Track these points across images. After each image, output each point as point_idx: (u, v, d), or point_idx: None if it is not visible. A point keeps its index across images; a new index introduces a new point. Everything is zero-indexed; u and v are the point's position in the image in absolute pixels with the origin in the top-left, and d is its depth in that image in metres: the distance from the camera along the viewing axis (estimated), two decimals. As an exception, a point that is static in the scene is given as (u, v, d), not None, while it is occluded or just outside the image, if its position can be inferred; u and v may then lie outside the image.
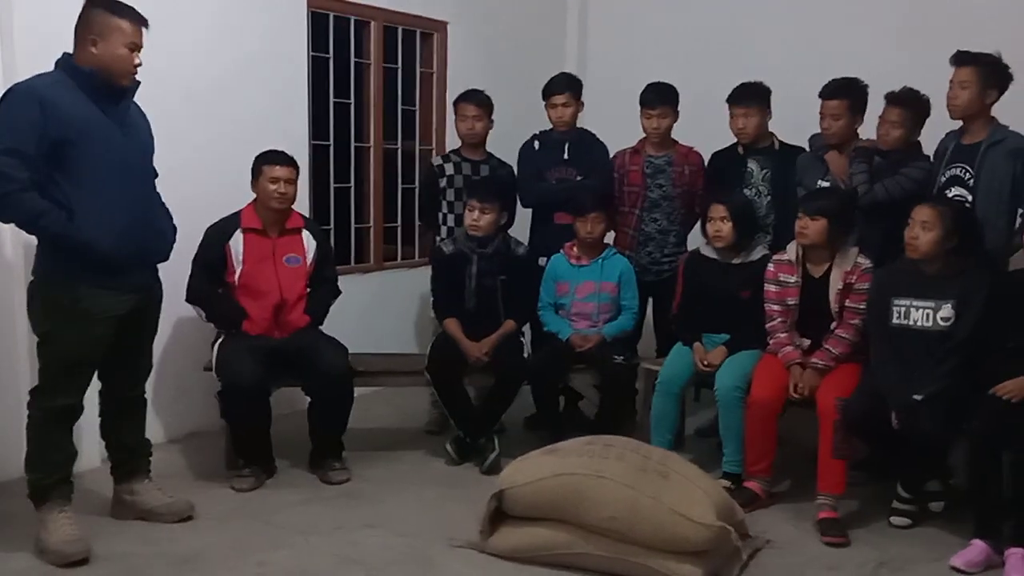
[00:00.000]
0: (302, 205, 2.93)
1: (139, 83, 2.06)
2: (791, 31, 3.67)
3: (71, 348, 2.01)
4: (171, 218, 2.21)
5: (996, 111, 2.46)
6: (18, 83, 1.95)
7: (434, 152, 3.71)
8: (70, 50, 2.00)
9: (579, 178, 3.03)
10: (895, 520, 2.36)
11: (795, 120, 2.88)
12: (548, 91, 3.07)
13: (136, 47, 1.99)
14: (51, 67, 2.00)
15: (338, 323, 2.76)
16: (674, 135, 3.06)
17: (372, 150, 3.58)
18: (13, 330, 2.44)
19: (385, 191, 3.65)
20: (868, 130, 2.73)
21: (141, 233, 2.06)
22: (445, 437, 2.89)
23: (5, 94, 1.94)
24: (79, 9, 2.01)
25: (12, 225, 2.16)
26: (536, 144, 3.13)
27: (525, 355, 2.87)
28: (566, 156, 3.07)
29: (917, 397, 2.19)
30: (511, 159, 3.17)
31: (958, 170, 2.47)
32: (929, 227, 2.24)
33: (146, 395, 2.29)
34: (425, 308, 3.56)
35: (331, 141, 3.42)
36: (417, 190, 3.58)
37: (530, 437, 2.95)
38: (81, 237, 1.93)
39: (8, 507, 2.29)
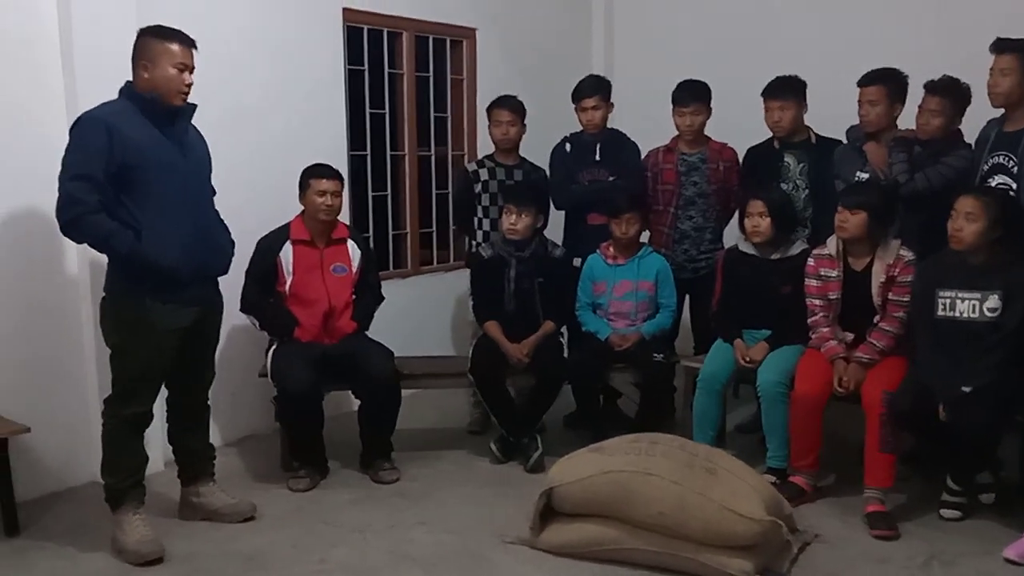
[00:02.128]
0: (342, 214, 3.02)
1: (195, 106, 2.17)
2: (823, 23, 3.63)
3: (140, 359, 2.12)
4: (229, 233, 2.31)
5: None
6: (86, 112, 2.06)
7: (466, 157, 3.77)
8: (127, 78, 2.11)
9: (611, 179, 3.06)
10: (945, 513, 2.34)
11: (828, 114, 2.87)
12: (578, 94, 3.11)
13: (185, 67, 2.09)
14: (109, 96, 2.11)
15: (378, 327, 2.85)
16: (705, 131, 3.07)
17: (407, 158, 3.66)
18: (82, 344, 2.58)
19: (420, 197, 3.73)
20: (907, 121, 2.70)
21: (202, 249, 2.16)
22: (488, 436, 2.96)
23: (75, 123, 2.05)
24: (132, 41, 2.12)
25: (77, 245, 2.30)
26: (567, 147, 3.17)
27: (564, 355, 2.92)
28: (598, 157, 3.10)
29: (966, 389, 2.18)
30: (541, 162, 3.21)
31: (1001, 158, 2.43)
32: (973, 218, 2.22)
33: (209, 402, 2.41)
34: (461, 310, 3.65)
35: (368, 151, 3.51)
36: (451, 195, 3.65)
37: (570, 435, 3.01)
38: (146, 255, 2.04)
39: (81, 510, 2.43)
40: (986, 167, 2.47)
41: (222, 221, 2.30)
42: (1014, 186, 2.39)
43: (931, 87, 2.57)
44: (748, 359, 2.62)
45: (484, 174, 3.16)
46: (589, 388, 2.93)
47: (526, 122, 3.15)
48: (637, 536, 2.05)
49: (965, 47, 2.59)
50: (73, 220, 2.00)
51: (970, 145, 2.58)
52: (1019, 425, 2.15)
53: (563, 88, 3.18)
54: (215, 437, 2.69)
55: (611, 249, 2.97)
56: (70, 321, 2.56)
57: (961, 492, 2.36)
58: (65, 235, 2.09)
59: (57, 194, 2.02)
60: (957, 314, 2.28)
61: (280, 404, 2.60)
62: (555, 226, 3.22)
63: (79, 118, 2.05)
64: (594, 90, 3.09)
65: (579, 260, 3.03)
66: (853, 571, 2.09)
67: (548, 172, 3.19)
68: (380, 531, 2.32)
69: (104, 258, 2.15)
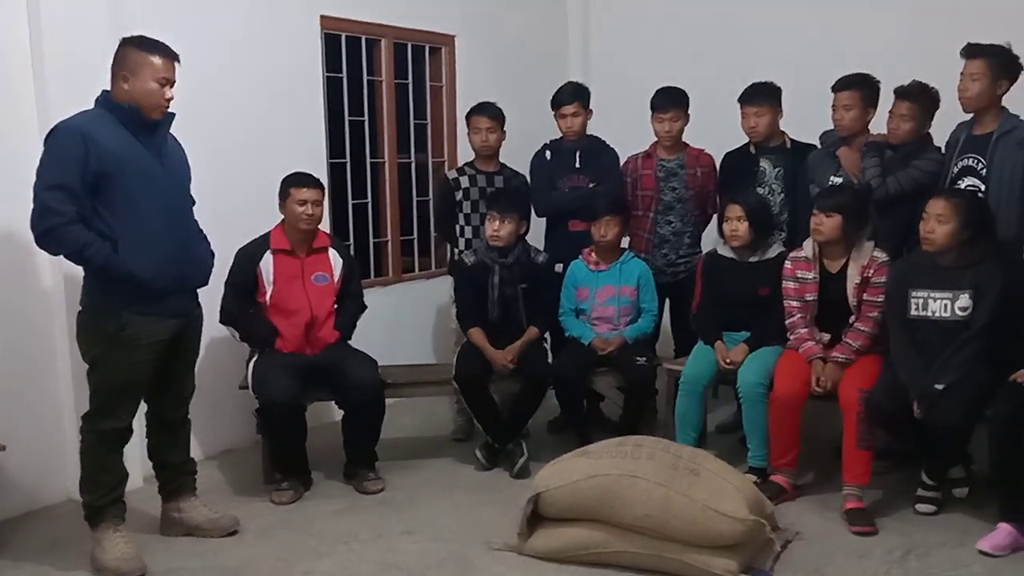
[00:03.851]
0: (322, 222, 2.99)
1: (173, 114, 2.14)
2: (797, 30, 3.70)
3: (119, 373, 2.08)
4: (208, 243, 2.28)
5: (1007, 101, 2.49)
6: (62, 121, 2.02)
7: (446, 164, 3.78)
8: (100, 88, 2.07)
9: (591, 185, 3.09)
10: (920, 507, 2.40)
11: (803, 118, 2.93)
12: (557, 102, 3.13)
13: (167, 81, 2.06)
14: (81, 105, 2.07)
15: (360, 335, 2.83)
16: (683, 137, 3.11)
17: (387, 165, 3.65)
18: (56, 358, 2.52)
19: (400, 205, 3.72)
20: (879, 126, 2.77)
21: (181, 260, 2.13)
22: (472, 443, 2.96)
23: (50, 132, 2.01)
24: (105, 50, 2.09)
25: (51, 257, 2.26)
26: (547, 154, 3.19)
27: (548, 360, 2.94)
28: (578, 164, 3.13)
29: (938, 387, 2.24)
30: (522, 168, 3.23)
31: (970, 160, 2.50)
32: (944, 220, 2.29)
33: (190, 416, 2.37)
34: (443, 318, 3.64)
35: (347, 159, 3.50)
36: (432, 203, 3.65)
37: (555, 440, 3.02)
38: (124, 267, 2.01)
39: (58, 528, 2.38)
40: (956, 169, 2.54)
41: (201, 231, 2.27)
42: (983, 188, 2.46)
43: (901, 92, 2.64)
44: (728, 361, 2.66)
45: (465, 181, 3.16)
46: (573, 392, 2.94)
47: (505, 129, 3.17)
48: (623, 538, 2.07)
49: (934, 53, 2.66)
50: (49, 231, 1.96)
51: (939, 148, 2.66)
52: (989, 420, 2.21)
53: (542, 93, 3.21)
54: (196, 451, 2.65)
55: (593, 255, 2.99)
56: (44, 335, 2.50)
57: (935, 487, 2.42)
58: (40, 247, 2.04)
59: (32, 205, 1.97)
60: (929, 313, 2.34)
61: (262, 416, 2.58)
62: (535, 233, 3.24)
63: (54, 127, 2.01)
64: (573, 97, 3.12)
65: (561, 266, 3.05)
66: (834, 566, 2.13)
67: (528, 179, 3.21)
68: (366, 541, 2.31)
69: (79, 270, 2.11)
